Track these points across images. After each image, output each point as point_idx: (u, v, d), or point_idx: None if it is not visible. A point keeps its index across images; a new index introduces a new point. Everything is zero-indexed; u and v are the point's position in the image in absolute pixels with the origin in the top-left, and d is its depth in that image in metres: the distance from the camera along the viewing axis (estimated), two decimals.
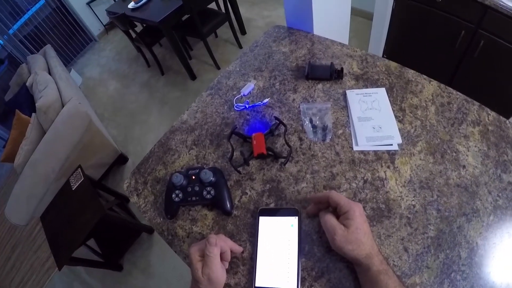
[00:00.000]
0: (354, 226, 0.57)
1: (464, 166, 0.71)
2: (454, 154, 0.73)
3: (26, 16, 4.15)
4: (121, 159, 2.89)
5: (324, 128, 0.83)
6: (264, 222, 0.68)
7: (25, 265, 2.70)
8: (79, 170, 2.10)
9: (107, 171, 2.82)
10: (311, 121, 0.85)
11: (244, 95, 0.98)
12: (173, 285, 2.06)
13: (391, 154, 0.76)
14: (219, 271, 0.60)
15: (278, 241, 0.65)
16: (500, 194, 0.66)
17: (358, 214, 0.58)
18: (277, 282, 0.62)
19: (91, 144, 2.52)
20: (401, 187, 0.71)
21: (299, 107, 0.90)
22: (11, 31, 3.96)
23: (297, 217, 0.67)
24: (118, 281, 2.26)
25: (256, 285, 0.63)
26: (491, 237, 0.62)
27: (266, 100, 0.94)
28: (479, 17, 1.50)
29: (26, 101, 2.82)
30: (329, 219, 0.60)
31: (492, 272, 0.58)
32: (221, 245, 0.62)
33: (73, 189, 2.04)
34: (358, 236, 0.56)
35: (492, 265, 0.59)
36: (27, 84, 2.86)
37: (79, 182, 2.04)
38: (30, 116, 2.45)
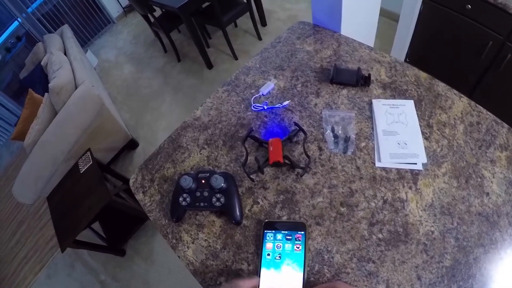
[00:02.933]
0: None
1: (487, 194, 0.67)
2: (479, 179, 0.69)
3: None
4: (132, 144, 2.88)
5: (347, 139, 0.77)
6: (270, 237, 0.65)
7: (29, 242, 2.74)
8: (88, 153, 2.10)
9: (117, 155, 2.82)
10: (333, 130, 0.80)
11: (263, 94, 0.93)
12: (173, 274, 2.06)
13: (414, 174, 0.71)
14: None
15: (283, 257, 0.62)
16: None
17: None
18: None
19: (102, 127, 2.51)
20: (421, 210, 0.67)
21: (321, 113, 0.85)
22: (29, 9, 3.95)
23: (304, 232, 0.63)
24: (120, 265, 2.28)
25: None
26: (506, 271, 0.59)
27: (286, 103, 0.89)
28: (509, 29, 1.44)
29: (40, 80, 2.83)
30: None
31: None
32: None
33: (81, 172, 2.05)
34: None
35: None
36: (42, 63, 2.86)
37: (88, 166, 2.04)
38: (43, 95, 2.45)
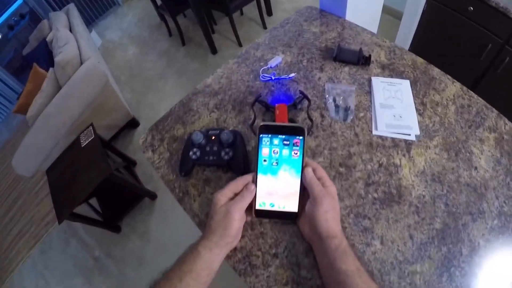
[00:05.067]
0: (336, 199, 0.60)
1: (475, 168, 0.72)
2: (468, 154, 0.74)
3: None
4: (133, 123, 2.90)
5: (347, 109, 0.83)
6: (266, 142, 0.61)
7: (25, 217, 2.74)
8: (91, 127, 2.12)
9: (117, 133, 2.83)
10: (334, 100, 0.86)
11: (271, 67, 0.98)
12: (169, 251, 2.07)
13: (408, 144, 0.77)
14: (241, 212, 0.60)
15: (280, 163, 0.60)
16: (506, 201, 0.66)
17: (336, 194, 0.61)
18: (278, 204, 0.61)
19: (105, 104, 2.53)
20: (413, 176, 0.72)
21: (324, 85, 0.91)
22: None
23: (302, 137, 0.59)
24: (115, 242, 2.30)
25: (257, 207, 0.62)
26: (492, 240, 0.63)
27: (292, 75, 0.94)
28: (508, 33, 1.48)
29: (44, 56, 2.83)
30: (319, 185, 0.59)
31: (490, 275, 0.60)
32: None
33: (83, 146, 2.06)
34: (339, 210, 0.61)
35: (491, 268, 0.60)
36: (47, 39, 2.87)
37: (89, 140, 2.06)
38: (47, 71, 2.46)
